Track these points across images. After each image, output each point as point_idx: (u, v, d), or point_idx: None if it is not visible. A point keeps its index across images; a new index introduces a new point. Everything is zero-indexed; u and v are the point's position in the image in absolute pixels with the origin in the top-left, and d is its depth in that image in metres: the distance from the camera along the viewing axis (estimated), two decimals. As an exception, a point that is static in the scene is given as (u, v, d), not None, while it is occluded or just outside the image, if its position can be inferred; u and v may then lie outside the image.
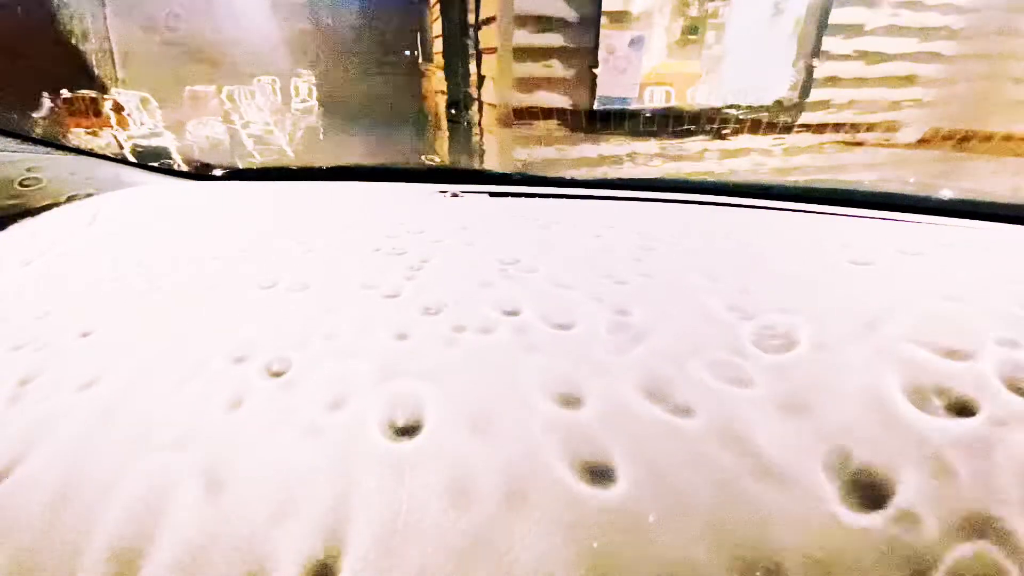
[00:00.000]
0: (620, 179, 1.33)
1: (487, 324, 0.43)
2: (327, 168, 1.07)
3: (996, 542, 0.26)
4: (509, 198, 0.84)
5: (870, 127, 2.81)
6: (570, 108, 2.64)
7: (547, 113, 2.64)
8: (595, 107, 2.66)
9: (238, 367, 0.39)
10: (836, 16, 2.73)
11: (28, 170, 0.82)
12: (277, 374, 0.38)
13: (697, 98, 2.78)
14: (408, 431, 0.33)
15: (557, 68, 2.59)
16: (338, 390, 0.37)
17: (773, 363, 0.37)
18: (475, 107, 2.64)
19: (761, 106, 2.78)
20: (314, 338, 0.42)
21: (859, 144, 2.79)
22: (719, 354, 0.38)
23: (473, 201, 0.83)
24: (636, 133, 2.71)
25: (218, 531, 0.29)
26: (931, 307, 0.42)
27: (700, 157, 2.78)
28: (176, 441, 0.34)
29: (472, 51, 2.57)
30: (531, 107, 2.63)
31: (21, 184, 0.80)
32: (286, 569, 0.27)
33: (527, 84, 2.60)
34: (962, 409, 0.33)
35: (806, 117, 2.82)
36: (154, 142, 2.17)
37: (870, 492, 0.29)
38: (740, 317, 0.43)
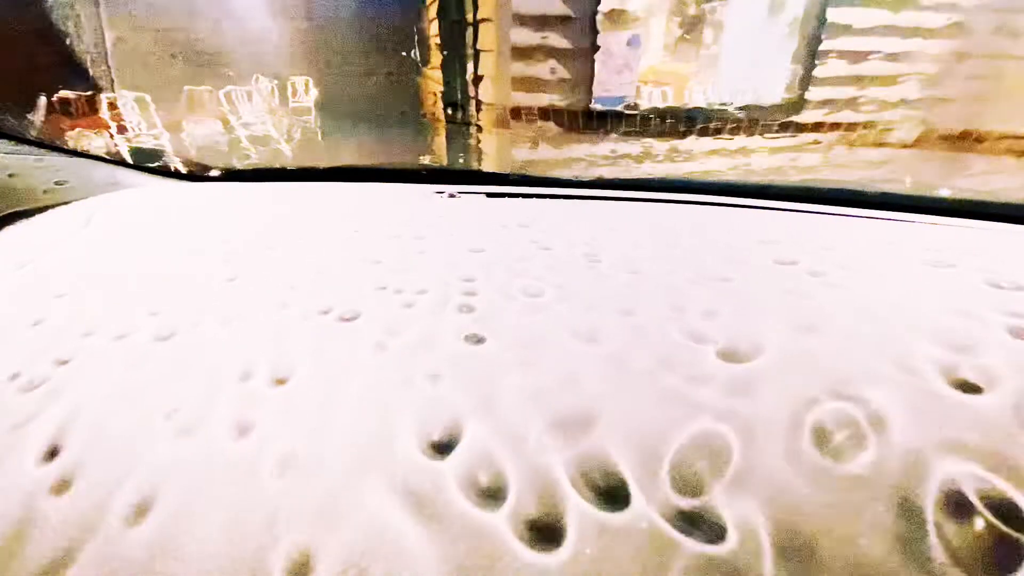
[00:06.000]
0: (618, 179, 1.33)
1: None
2: (324, 169, 1.07)
3: None
4: (507, 198, 0.84)
5: (867, 126, 2.82)
6: (567, 108, 2.64)
7: (544, 113, 2.64)
8: (592, 107, 2.66)
9: (244, 382, 0.39)
10: (833, 16, 2.74)
11: (10, 176, 0.82)
12: (280, 382, 0.38)
13: (694, 98, 2.78)
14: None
15: (554, 68, 2.59)
16: (339, 395, 0.37)
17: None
18: (473, 107, 2.64)
19: (759, 106, 2.78)
20: (309, 342, 0.42)
21: (856, 144, 2.79)
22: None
23: (470, 201, 0.83)
24: (633, 133, 2.71)
25: None
26: None
27: (697, 157, 2.78)
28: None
29: (469, 51, 2.57)
30: (529, 107, 2.62)
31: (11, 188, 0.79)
32: None
33: (525, 84, 2.59)
34: None
35: (803, 116, 2.82)
36: (150, 143, 2.17)
37: None
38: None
